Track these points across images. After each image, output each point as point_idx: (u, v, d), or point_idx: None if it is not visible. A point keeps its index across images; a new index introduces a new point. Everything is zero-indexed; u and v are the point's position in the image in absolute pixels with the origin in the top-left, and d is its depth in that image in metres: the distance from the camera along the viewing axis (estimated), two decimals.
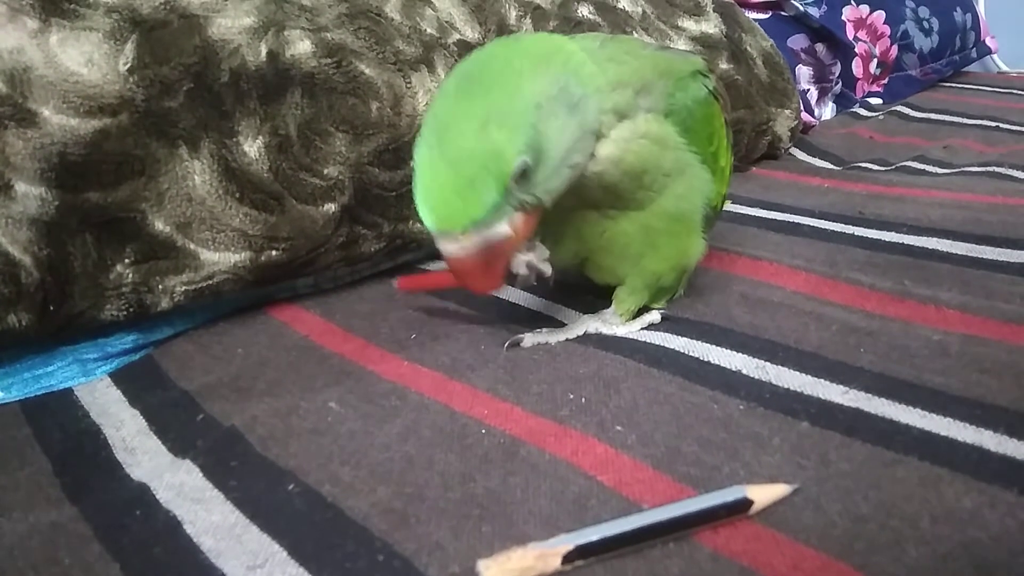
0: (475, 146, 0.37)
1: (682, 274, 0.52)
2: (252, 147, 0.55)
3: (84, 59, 0.49)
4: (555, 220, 0.47)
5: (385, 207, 0.62)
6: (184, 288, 0.54)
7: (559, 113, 0.39)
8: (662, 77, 0.47)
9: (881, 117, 1.27)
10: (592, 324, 0.52)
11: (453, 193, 0.37)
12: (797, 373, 0.45)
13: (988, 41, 1.65)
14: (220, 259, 0.54)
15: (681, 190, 0.48)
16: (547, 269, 0.49)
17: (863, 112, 1.32)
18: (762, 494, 0.34)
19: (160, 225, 0.52)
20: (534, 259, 0.47)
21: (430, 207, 0.38)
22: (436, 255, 0.40)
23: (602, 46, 0.46)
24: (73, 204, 0.49)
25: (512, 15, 0.76)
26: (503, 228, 0.39)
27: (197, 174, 0.53)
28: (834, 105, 1.34)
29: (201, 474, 0.39)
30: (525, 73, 0.39)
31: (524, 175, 0.38)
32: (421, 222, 0.40)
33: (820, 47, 1.27)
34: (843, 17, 1.35)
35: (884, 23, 1.40)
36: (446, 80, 0.41)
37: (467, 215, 0.38)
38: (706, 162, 0.49)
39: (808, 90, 1.26)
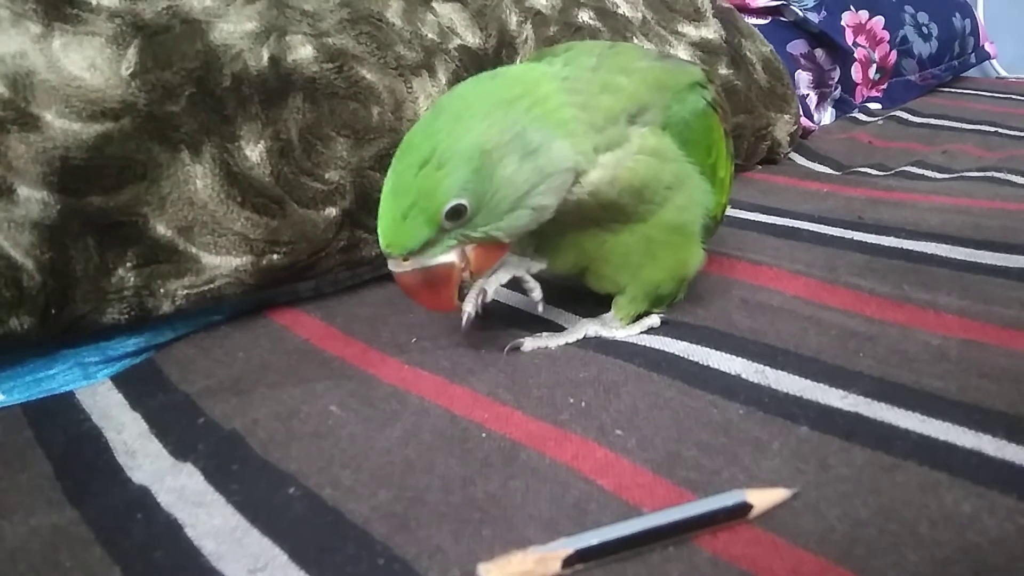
0: (412, 182, 0.40)
1: (681, 283, 0.52)
2: (254, 151, 0.55)
3: (87, 64, 0.49)
4: (554, 232, 0.48)
5: None
6: (186, 292, 0.54)
7: (510, 160, 0.40)
8: (660, 91, 0.47)
9: (880, 122, 1.28)
10: (592, 328, 0.52)
11: (392, 221, 0.41)
12: (796, 377, 0.45)
13: (987, 46, 1.65)
14: (221, 263, 0.54)
15: (682, 202, 0.48)
16: (538, 295, 0.50)
17: (862, 117, 1.32)
18: (761, 498, 0.34)
19: (162, 229, 0.52)
20: (490, 292, 0.48)
21: (380, 228, 0.41)
22: None
23: (596, 69, 0.45)
24: (75, 208, 0.49)
25: (513, 20, 0.76)
26: (444, 258, 0.42)
27: (199, 178, 0.53)
28: (833, 110, 1.35)
29: (202, 477, 0.39)
30: (480, 117, 0.40)
31: (459, 215, 0.40)
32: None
33: (819, 52, 1.27)
34: (842, 22, 1.36)
35: (883, 28, 1.41)
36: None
37: (401, 244, 0.41)
38: (705, 173, 0.49)
39: (807, 95, 1.26)
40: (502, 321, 0.56)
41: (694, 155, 0.48)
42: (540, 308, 0.51)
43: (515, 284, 0.51)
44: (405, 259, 0.42)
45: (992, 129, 1.18)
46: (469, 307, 0.48)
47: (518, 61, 0.75)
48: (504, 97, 0.41)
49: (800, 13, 1.25)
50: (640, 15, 0.92)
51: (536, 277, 0.51)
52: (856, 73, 1.36)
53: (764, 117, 0.98)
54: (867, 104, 1.40)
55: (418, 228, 0.40)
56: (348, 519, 0.35)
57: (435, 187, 0.39)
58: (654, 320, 0.53)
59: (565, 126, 0.42)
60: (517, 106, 0.41)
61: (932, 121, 1.27)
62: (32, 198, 0.47)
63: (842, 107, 1.36)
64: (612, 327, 0.52)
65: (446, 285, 0.44)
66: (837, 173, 1.01)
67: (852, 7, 1.39)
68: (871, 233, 0.69)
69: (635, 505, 0.35)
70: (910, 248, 0.64)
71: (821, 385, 0.44)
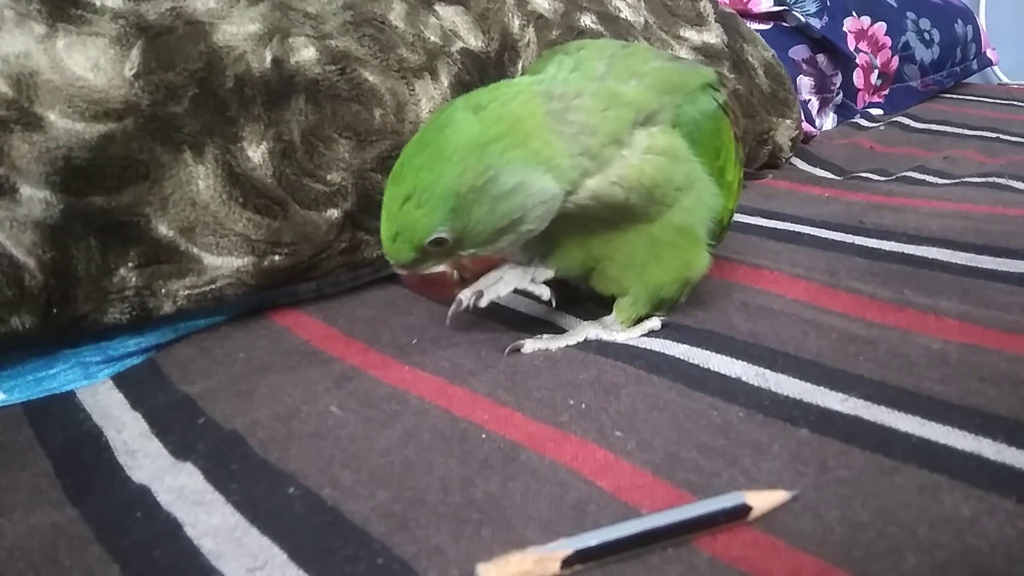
0: (397, 214, 0.43)
1: (684, 286, 0.52)
2: (256, 153, 0.56)
3: (90, 64, 0.49)
4: (560, 233, 0.48)
5: None
6: (187, 292, 0.54)
7: (485, 200, 0.42)
8: (670, 93, 0.47)
9: (882, 128, 1.28)
10: (592, 330, 0.52)
11: (387, 238, 0.44)
12: (797, 380, 0.45)
13: (989, 53, 1.65)
14: (223, 264, 0.54)
15: (690, 204, 0.48)
16: (546, 295, 0.51)
17: (864, 123, 1.32)
18: (761, 500, 0.34)
19: (164, 229, 0.52)
20: (485, 299, 0.49)
21: (382, 237, 0.45)
22: None
23: (604, 76, 0.45)
24: (77, 208, 0.49)
25: (515, 24, 0.76)
26: (436, 268, 0.46)
27: (201, 179, 0.53)
28: (835, 115, 1.35)
29: (202, 477, 0.39)
30: (456, 160, 0.42)
31: (441, 244, 0.43)
32: None
33: (821, 58, 1.27)
34: (844, 28, 1.36)
35: (885, 34, 1.41)
36: (419, 130, 0.45)
37: (395, 258, 0.45)
38: (712, 176, 0.49)
39: (809, 100, 1.26)
40: (503, 323, 0.56)
41: (702, 156, 0.48)
42: (553, 303, 0.52)
43: (522, 291, 0.51)
44: (403, 267, 0.46)
45: (993, 135, 1.18)
46: (464, 296, 0.49)
47: (520, 65, 0.75)
48: (482, 139, 0.42)
49: (802, 19, 1.25)
50: (642, 19, 0.92)
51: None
52: (858, 79, 1.36)
53: (766, 122, 0.98)
54: (869, 110, 1.40)
55: (406, 251, 0.44)
56: (347, 519, 0.35)
57: (415, 223, 0.43)
58: (655, 323, 0.53)
59: (548, 162, 0.43)
60: (492, 149, 0.42)
61: (933, 127, 1.27)
62: (35, 198, 0.48)
63: (844, 112, 1.36)
64: (613, 329, 0.52)
65: (442, 285, 0.48)
66: (839, 178, 1.01)
67: (854, 13, 1.39)
68: (872, 237, 0.69)
69: (634, 506, 0.35)
70: (911, 253, 0.64)
71: (821, 388, 0.44)
